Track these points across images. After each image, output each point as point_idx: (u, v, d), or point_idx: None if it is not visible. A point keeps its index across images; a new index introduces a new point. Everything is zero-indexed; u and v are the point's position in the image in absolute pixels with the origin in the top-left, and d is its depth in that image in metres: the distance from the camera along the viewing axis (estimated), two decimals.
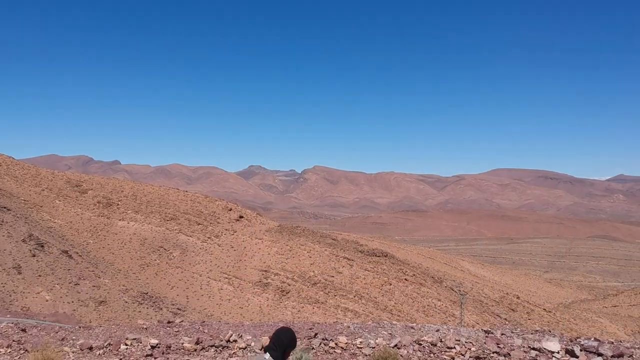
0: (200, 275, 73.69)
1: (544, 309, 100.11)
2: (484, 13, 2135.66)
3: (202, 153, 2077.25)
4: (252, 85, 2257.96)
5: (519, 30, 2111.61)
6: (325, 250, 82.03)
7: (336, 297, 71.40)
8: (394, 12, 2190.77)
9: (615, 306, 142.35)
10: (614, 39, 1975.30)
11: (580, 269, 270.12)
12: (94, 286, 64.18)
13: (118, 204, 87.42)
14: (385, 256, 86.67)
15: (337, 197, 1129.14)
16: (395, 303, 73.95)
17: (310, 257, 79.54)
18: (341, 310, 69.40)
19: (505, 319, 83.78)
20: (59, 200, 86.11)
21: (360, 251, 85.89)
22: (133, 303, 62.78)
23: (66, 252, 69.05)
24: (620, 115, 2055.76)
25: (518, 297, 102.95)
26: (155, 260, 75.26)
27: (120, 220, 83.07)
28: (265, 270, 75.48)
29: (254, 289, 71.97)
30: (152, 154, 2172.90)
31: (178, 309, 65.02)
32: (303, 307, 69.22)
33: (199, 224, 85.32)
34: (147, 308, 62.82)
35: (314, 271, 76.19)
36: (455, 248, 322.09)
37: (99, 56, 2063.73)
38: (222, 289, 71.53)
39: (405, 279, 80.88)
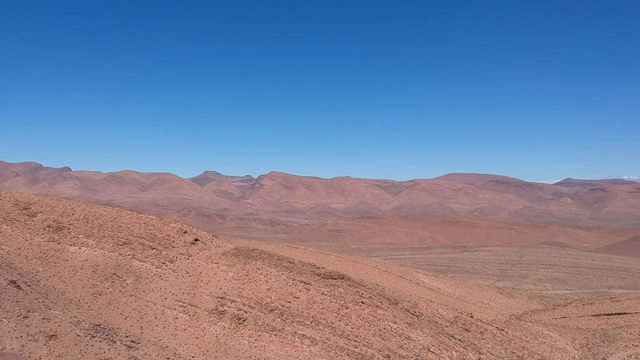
0: (155, 304, 72.40)
1: (497, 328, 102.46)
2: (430, 17, 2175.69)
3: (155, 159, 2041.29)
4: (206, 89, 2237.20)
5: (464, 35, 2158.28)
6: (282, 274, 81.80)
7: (293, 324, 71.23)
8: (348, 15, 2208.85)
9: (564, 317, 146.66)
10: (559, 44, 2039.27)
11: (531, 277, 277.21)
12: (44, 319, 62.22)
13: (69, 228, 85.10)
14: (342, 278, 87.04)
15: (293, 203, 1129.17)
16: (352, 328, 74.27)
17: (267, 281, 79.15)
18: (298, 338, 69.30)
19: (460, 339, 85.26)
20: (6, 225, 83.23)
21: (317, 274, 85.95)
22: (85, 336, 61.17)
23: (14, 282, 66.84)
24: (566, 120, 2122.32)
25: (471, 316, 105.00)
26: (108, 288, 73.51)
27: (71, 245, 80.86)
28: (222, 297, 74.74)
29: (210, 317, 71.15)
30: (104, 160, 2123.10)
31: (132, 341, 63.70)
32: (260, 335, 68.81)
33: (153, 248, 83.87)
34: (100, 341, 61.32)
35: (270, 297, 75.85)
36: (410, 257, 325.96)
37: (46, 58, 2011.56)
38: (177, 318, 70.45)
39: (362, 302, 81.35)
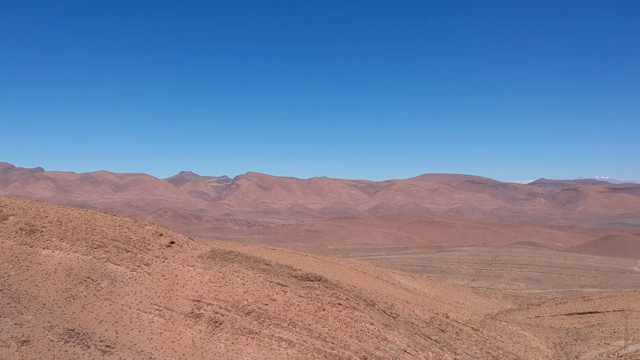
0: (130, 308, 71.64)
1: (472, 328, 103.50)
2: (404, 18, 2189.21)
3: (130, 159, 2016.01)
4: (182, 89, 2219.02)
5: (442, 37, 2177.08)
6: (259, 276, 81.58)
7: (270, 327, 71.10)
8: (319, 17, 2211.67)
9: (537, 316, 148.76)
10: (528, 46, 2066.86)
11: (505, 276, 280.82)
12: (16, 324, 61.16)
13: (42, 231, 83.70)
14: (319, 280, 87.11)
15: (270, 204, 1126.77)
16: (329, 330, 74.39)
17: (243, 284, 78.87)
18: (275, 341, 69.18)
19: (436, 340, 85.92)
20: None
21: (294, 276, 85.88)
22: (59, 341, 60.28)
23: None
24: (540, 120, 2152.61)
25: (447, 317, 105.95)
26: (82, 292, 72.51)
27: (44, 248, 79.57)
28: (198, 300, 74.27)
29: (186, 320, 70.64)
30: (78, 161, 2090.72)
31: (107, 345, 62.95)
32: (237, 338, 68.54)
33: (128, 251, 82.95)
34: (74, 347, 60.50)
35: (247, 299, 75.60)
36: (387, 257, 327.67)
37: (19, 58, 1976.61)
38: (152, 322, 69.80)
39: (339, 304, 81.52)
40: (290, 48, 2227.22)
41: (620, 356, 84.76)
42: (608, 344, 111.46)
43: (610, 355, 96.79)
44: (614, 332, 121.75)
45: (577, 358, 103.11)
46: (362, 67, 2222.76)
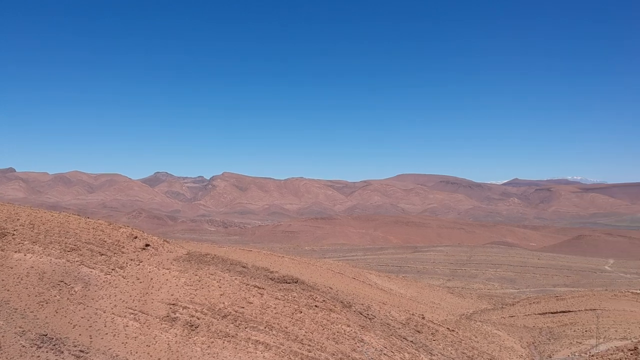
0: (104, 312, 70.77)
1: (448, 328, 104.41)
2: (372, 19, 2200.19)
3: (104, 159, 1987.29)
4: (156, 87, 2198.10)
5: (406, 39, 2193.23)
6: (236, 279, 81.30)
7: (247, 330, 70.88)
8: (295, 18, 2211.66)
9: (512, 316, 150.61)
10: (500, 47, 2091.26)
11: (480, 276, 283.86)
12: None
13: (14, 234, 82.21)
14: (295, 282, 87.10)
15: (246, 204, 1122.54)
16: (305, 332, 74.42)
17: (220, 287, 78.51)
18: (252, 344, 68.98)
19: (412, 341, 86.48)
20: None
21: (270, 278, 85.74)
22: (31, 347, 59.42)
23: None
24: (513, 121, 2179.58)
25: (423, 317, 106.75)
26: (55, 296, 71.40)
27: (16, 252, 78.12)
28: (174, 304, 73.70)
29: (161, 324, 70.03)
30: (50, 161, 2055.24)
31: (81, 350, 62.21)
32: (213, 342, 68.16)
33: (102, 254, 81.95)
34: (47, 352, 59.71)
35: (224, 302, 75.27)
36: (363, 258, 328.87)
37: None
38: (127, 326, 69.04)
39: (316, 306, 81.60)
40: (263, 48, 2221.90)
41: (592, 355, 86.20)
42: (580, 343, 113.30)
43: (582, 354, 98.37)
44: (586, 331, 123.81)
45: (550, 357, 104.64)
46: (340, 68, 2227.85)
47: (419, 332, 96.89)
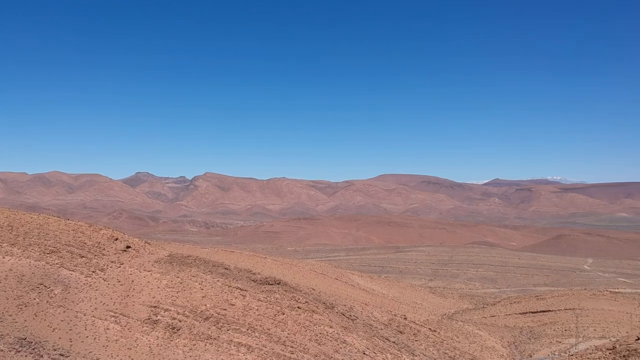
0: (85, 314, 70.07)
1: (430, 329, 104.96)
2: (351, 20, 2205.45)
3: (84, 159, 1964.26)
4: (136, 87, 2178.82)
5: (395, 39, 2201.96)
6: (218, 281, 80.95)
7: (229, 332, 70.61)
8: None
9: (493, 316, 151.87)
10: (481, 47, 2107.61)
11: (462, 276, 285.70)
12: None
13: None
14: (278, 284, 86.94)
15: (228, 205, 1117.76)
16: (288, 334, 74.33)
17: (202, 289, 78.11)
18: (234, 346, 68.75)
19: (394, 342, 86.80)
20: None
21: (253, 280, 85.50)
22: (10, 351, 58.59)
23: None
24: (494, 121, 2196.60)
25: (405, 318, 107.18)
26: (34, 299, 70.53)
27: None
28: (155, 306, 73.18)
29: (142, 327, 69.51)
30: (29, 161, 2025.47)
31: (61, 354, 61.51)
32: (195, 344, 67.82)
33: (83, 256, 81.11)
34: (26, 356, 58.92)
35: (205, 305, 74.91)
36: (345, 258, 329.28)
37: None
38: (108, 329, 68.43)
39: (298, 307, 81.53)
40: (245, 47, 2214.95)
41: (572, 355, 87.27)
42: (560, 342, 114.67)
43: (562, 353, 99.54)
44: (566, 330, 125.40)
45: (531, 356, 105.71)
46: (319, 69, 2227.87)
47: (401, 332, 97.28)
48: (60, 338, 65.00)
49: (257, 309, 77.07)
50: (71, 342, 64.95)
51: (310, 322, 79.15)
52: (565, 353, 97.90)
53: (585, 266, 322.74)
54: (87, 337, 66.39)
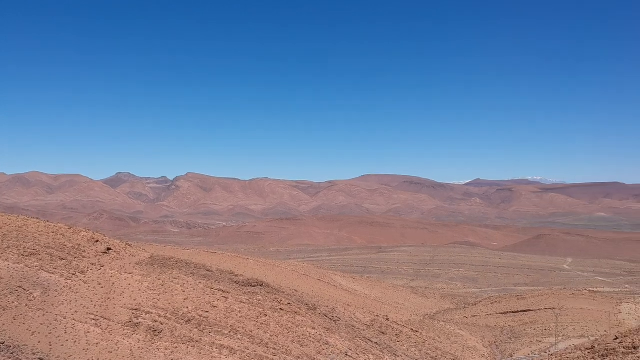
0: (65, 318, 69.27)
1: (412, 329, 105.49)
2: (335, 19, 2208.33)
3: (64, 159, 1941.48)
4: (118, 86, 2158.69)
5: (380, 39, 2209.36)
6: (200, 283, 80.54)
7: (211, 334, 70.31)
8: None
9: (474, 316, 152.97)
10: (462, 47, 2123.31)
11: (443, 276, 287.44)
12: None
13: None
14: (260, 285, 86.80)
15: (210, 205, 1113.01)
16: (270, 335, 74.22)
17: (183, 291, 77.65)
18: (216, 348, 68.47)
19: (376, 342, 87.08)
20: None
21: (235, 282, 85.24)
22: None
23: None
24: (475, 121, 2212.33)
25: (387, 318, 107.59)
26: (13, 302, 69.54)
27: None
28: (136, 309, 72.58)
29: (123, 330, 68.91)
30: (8, 161, 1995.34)
31: (40, 358, 60.70)
32: (177, 347, 67.41)
33: (63, 259, 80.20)
34: None
35: (187, 307, 74.48)
36: (328, 259, 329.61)
37: None
38: (89, 332, 67.72)
39: (281, 309, 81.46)
40: (223, 47, 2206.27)
41: (552, 354, 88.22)
42: (540, 342, 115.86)
43: (542, 353, 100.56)
44: (546, 329, 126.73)
45: (512, 356, 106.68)
46: (303, 69, 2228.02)
47: (383, 333, 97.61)
48: (39, 342, 64.19)
49: (240, 311, 76.83)
50: (51, 345, 64.17)
51: (293, 323, 79.12)
52: (545, 352, 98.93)
53: (565, 266, 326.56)
54: (67, 340, 65.64)
